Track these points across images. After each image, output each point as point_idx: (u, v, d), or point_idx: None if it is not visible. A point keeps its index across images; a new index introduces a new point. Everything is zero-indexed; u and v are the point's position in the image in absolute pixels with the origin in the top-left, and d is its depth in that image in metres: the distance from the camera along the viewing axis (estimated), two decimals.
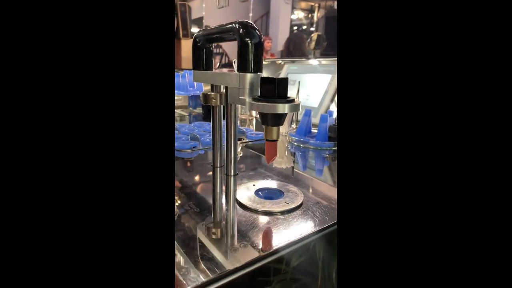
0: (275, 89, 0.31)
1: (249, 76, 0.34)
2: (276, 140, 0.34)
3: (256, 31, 0.37)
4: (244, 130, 0.70)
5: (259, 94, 0.33)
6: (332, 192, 0.42)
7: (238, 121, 0.86)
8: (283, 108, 0.31)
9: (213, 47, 0.45)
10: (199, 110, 0.98)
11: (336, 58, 0.87)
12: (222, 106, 0.43)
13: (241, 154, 0.61)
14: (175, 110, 0.97)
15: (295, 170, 0.51)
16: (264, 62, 1.15)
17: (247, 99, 0.33)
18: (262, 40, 0.38)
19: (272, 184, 0.42)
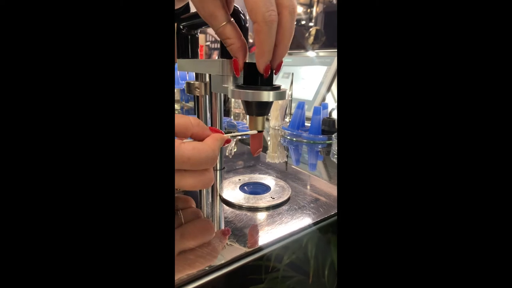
0: (259, 76, 0.29)
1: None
2: (261, 131, 0.32)
3: (241, 14, 0.34)
4: (236, 123, 0.68)
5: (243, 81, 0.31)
6: (324, 186, 0.40)
7: (232, 116, 0.84)
8: (267, 96, 0.28)
9: (198, 34, 0.42)
10: (191, 103, 0.95)
11: (331, 50, 0.84)
12: (207, 96, 0.41)
13: (235, 149, 0.58)
14: None
15: (288, 164, 0.49)
16: None
17: (230, 86, 0.31)
18: (247, 25, 0.36)
19: (258, 178, 0.39)
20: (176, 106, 0.96)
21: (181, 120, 0.27)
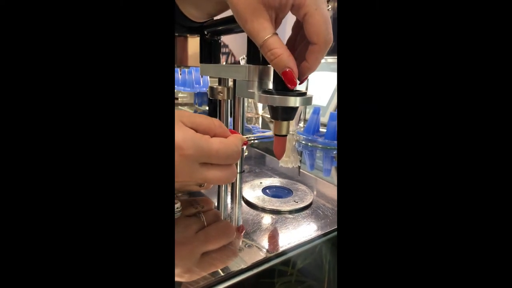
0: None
1: (259, 68, 0.32)
2: (285, 135, 0.33)
3: None
4: (251, 127, 0.69)
5: (268, 87, 0.32)
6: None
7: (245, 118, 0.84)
8: (294, 101, 0.29)
9: (220, 39, 0.43)
10: (204, 107, 0.96)
11: None
12: (229, 100, 0.42)
13: (246, 153, 0.59)
14: (181, 108, 0.96)
15: (302, 170, 0.50)
16: None
17: (257, 92, 0.32)
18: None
19: (280, 182, 0.40)
20: (190, 110, 0.98)
21: (205, 120, 0.28)
